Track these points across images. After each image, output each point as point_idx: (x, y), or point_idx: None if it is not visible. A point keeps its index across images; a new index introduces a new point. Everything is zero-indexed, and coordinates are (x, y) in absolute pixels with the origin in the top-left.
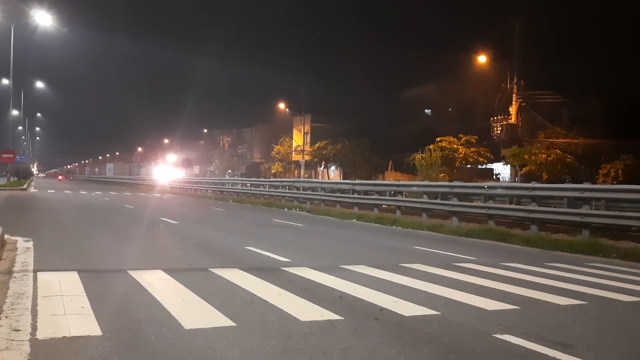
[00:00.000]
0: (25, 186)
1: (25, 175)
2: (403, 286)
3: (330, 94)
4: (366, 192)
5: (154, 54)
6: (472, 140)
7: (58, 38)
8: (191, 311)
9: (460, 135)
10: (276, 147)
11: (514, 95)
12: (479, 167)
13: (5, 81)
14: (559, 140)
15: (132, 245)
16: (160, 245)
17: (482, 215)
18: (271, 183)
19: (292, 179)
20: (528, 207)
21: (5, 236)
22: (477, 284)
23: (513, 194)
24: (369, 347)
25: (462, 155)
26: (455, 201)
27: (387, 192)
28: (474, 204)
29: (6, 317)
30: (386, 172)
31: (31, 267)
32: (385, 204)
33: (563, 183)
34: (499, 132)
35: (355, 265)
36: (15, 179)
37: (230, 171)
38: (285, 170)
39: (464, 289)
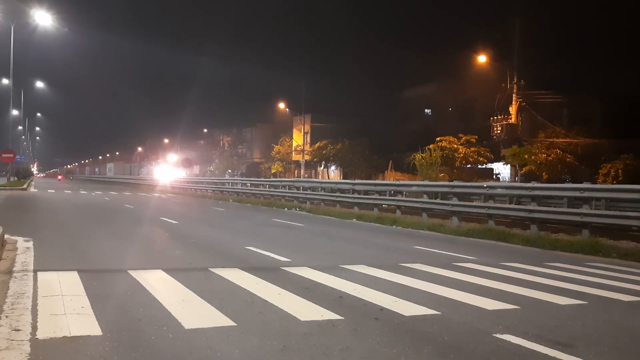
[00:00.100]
0: (25, 186)
1: (25, 175)
2: (403, 286)
3: (330, 93)
4: (366, 192)
5: (154, 54)
6: (472, 140)
7: (58, 38)
8: (191, 311)
9: (460, 135)
10: (276, 147)
11: (514, 95)
12: (479, 167)
13: (5, 81)
14: (559, 140)
15: (132, 245)
16: (160, 245)
17: (482, 215)
18: (271, 183)
19: (292, 179)
20: (528, 207)
21: (6, 236)
22: (477, 284)
23: (513, 193)
24: (369, 347)
25: (462, 155)
26: (455, 201)
27: (387, 192)
28: (474, 203)
29: (6, 316)
30: (386, 171)
31: (31, 267)
32: (385, 204)
33: (563, 183)
34: (499, 131)
35: (356, 265)
36: (15, 178)
37: (230, 171)
38: (285, 170)
39: (464, 288)
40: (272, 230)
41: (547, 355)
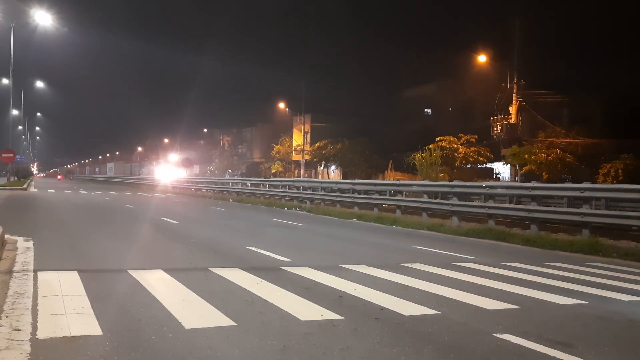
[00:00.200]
0: (25, 186)
1: (25, 174)
2: (403, 286)
3: (330, 93)
4: (366, 192)
5: (154, 53)
6: (472, 139)
7: (58, 38)
8: (191, 311)
9: (460, 134)
10: (276, 146)
11: (514, 94)
12: (479, 166)
13: (5, 81)
14: (559, 140)
15: (132, 244)
16: (160, 244)
17: (482, 215)
18: (271, 183)
19: (292, 179)
20: (528, 207)
21: (6, 236)
22: (477, 284)
23: (513, 193)
24: (369, 347)
25: (462, 154)
26: (455, 201)
27: (387, 192)
28: (474, 203)
29: (7, 316)
30: (386, 171)
31: (31, 267)
32: (385, 204)
33: (563, 182)
34: (499, 131)
35: (356, 264)
36: (15, 178)
37: (230, 171)
38: (285, 170)
39: (464, 288)
40: (272, 230)
41: (547, 355)
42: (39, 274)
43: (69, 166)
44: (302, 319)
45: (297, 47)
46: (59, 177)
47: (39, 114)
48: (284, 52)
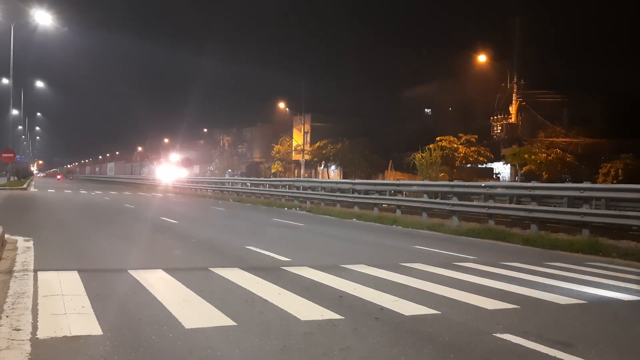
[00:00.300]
0: (25, 186)
1: (25, 174)
2: (403, 285)
3: (331, 93)
4: (366, 192)
5: (154, 53)
6: (472, 139)
7: (58, 38)
8: (192, 311)
9: (460, 134)
10: (276, 146)
11: (514, 94)
12: (479, 166)
13: (5, 81)
14: (559, 140)
15: (132, 244)
16: (160, 244)
17: (482, 215)
18: (271, 182)
19: (292, 179)
20: (528, 207)
21: (6, 236)
22: (477, 283)
23: (513, 193)
24: (369, 347)
25: (462, 154)
26: (455, 200)
27: (387, 192)
28: (474, 203)
29: (7, 316)
30: (386, 171)
31: (31, 267)
32: (385, 204)
33: (563, 182)
34: (499, 131)
35: (356, 264)
36: (15, 178)
37: (230, 170)
38: (285, 170)
39: (464, 288)
40: (272, 230)
41: (547, 354)
42: (39, 273)
43: (69, 166)
44: (302, 318)
45: (297, 47)
46: (58, 177)
47: (39, 114)
48: (284, 52)
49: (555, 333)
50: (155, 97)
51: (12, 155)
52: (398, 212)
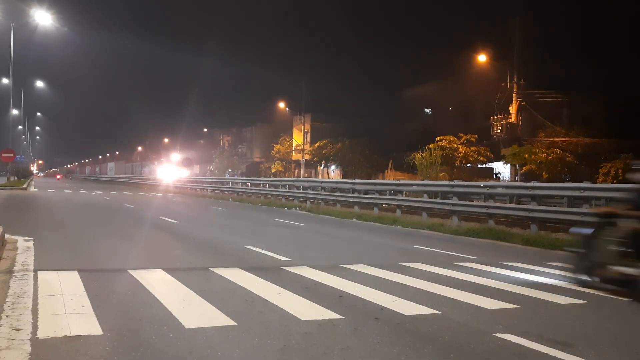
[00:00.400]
0: (25, 185)
1: (25, 174)
2: (403, 285)
3: (331, 93)
4: (366, 192)
5: (154, 53)
6: (472, 139)
7: (58, 38)
8: (192, 310)
9: (460, 134)
10: (276, 146)
11: (514, 94)
12: (479, 166)
13: (5, 81)
14: (559, 140)
15: (132, 244)
16: (160, 244)
17: (482, 215)
18: (271, 182)
19: (292, 178)
20: (528, 207)
21: (6, 235)
22: (477, 283)
23: (513, 193)
24: (369, 347)
25: (462, 154)
26: (455, 200)
27: (387, 191)
28: (474, 203)
29: (7, 316)
30: (386, 171)
31: (32, 267)
32: (385, 203)
33: (563, 182)
34: (499, 131)
35: (356, 264)
36: (15, 178)
37: (230, 170)
38: (285, 170)
39: (464, 288)
40: (272, 230)
41: (547, 354)
42: (39, 273)
43: (69, 166)
44: (302, 318)
45: (297, 47)
46: (58, 176)
47: (39, 114)
48: (284, 52)
49: (556, 333)
50: (155, 97)
51: (12, 155)
52: (398, 212)
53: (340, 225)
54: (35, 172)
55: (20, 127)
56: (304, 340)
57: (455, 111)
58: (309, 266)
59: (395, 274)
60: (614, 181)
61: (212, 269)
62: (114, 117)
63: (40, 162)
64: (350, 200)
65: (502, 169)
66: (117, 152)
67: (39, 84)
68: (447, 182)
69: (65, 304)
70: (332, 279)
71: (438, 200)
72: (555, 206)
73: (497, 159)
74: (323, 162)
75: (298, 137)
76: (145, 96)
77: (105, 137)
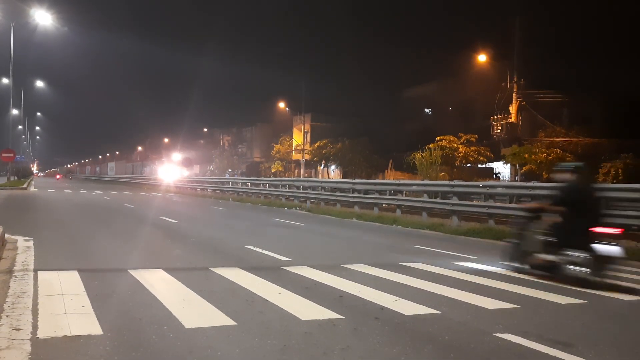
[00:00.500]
0: (25, 185)
1: (25, 174)
2: (403, 285)
3: (331, 93)
4: (366, 191)
5: (155, 53)
6: (472, 139)
7: (58, 38)
8: (192, 310)
9: (460, 134)
10: (276, 146)
11: (514, 94)
12: (479, 166)
13: (5, 80)
14: (559, 139)
15: (132, 244)
16: (160, 244)
17: (482, 214)
18: (271, 182)
19: (292, 178)
20: None
21: (6, 235)
22: (477, 283)
23: (513, 193)
24: (369, 346)
25: (462, 154)
26: (455, 200)
27: (387, 191)
28: (474, 203)
29: (7, 316)
30: (386, 171)
31: (32, 267)
32: (385, 203)
33: None
34: (499, 131)
35: (356, 264)
36: (15, 178)
37: (230, 170)
38: (285, 170)
39: (464, 287)
40: (272, 230)
41: (547, 354)
42: (39, 273)
43: (69, 165)
44: (303, 318)
45: (297, 47)
46: (57, 176)
47: (39, 114)
48: (284, 52)
49: (556, 333)
50: (155, 97)
51: (12, 155)
52: (398, 211)
53: (340, 225)
54: (35, 172)
55: (20, 127)
56: (304, 340)
57: (455, 111)
58: (309, 266)
59: (395, 273)
60: (614, 181)
61: (212, 268)
62: (114, 117)
63: (37, 161)
64: (350, 200)
65: (502, 169)
66: (117, 152)
67: (39, 84)
68: (447, 182)
69: (66, 304)
70: (332, 279)
71: (438, 200)
72: None
73: (497, 159)
74: (323, 162)
75: (298, 137)
76: (145, 96)
77: (106, 137)
